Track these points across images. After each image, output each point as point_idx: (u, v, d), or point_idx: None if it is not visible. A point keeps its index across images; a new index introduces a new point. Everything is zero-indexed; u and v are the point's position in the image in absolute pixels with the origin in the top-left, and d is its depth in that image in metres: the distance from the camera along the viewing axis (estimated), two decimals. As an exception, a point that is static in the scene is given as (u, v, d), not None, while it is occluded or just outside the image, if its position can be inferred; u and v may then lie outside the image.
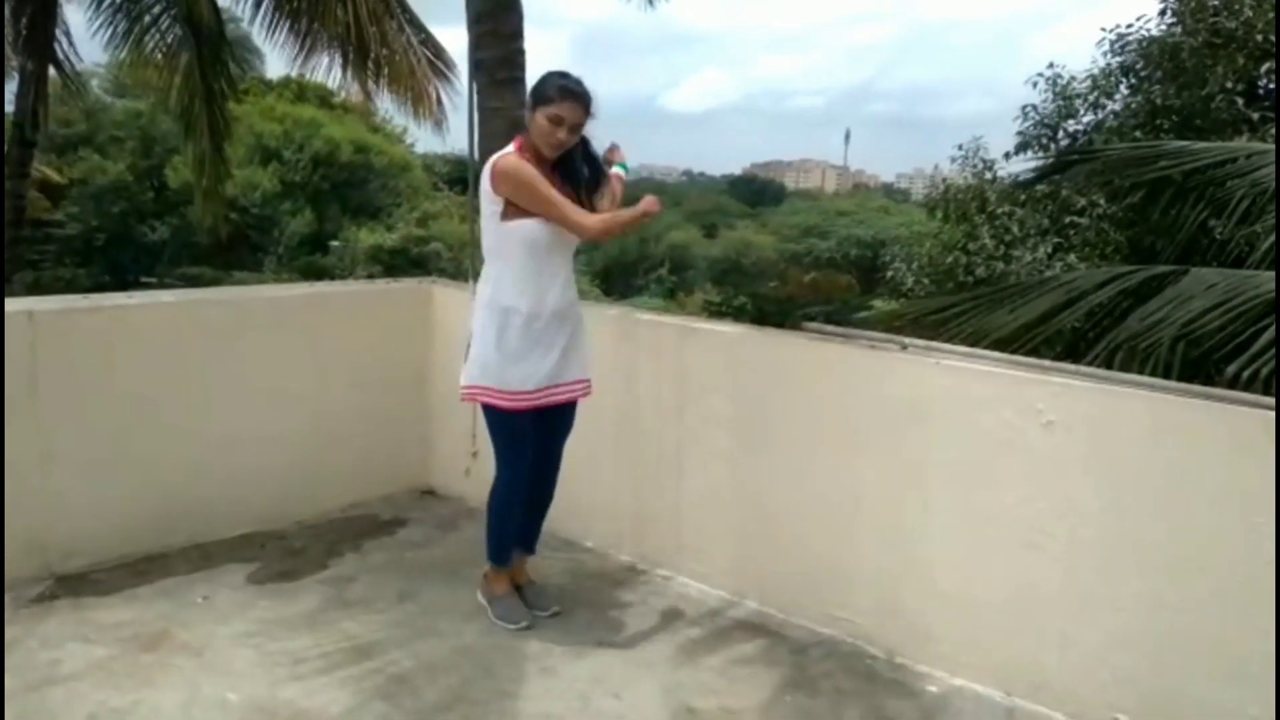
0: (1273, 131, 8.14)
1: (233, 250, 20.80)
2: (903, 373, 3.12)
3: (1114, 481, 2.72)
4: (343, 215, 24.25)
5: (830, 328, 3.53)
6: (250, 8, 9.85)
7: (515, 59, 5.48)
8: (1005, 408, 2.88)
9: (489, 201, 3.05)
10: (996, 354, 3.32)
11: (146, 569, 3.55)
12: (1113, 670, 2.74)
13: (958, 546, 3.00)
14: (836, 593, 3.26)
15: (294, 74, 15.90)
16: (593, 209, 3.15)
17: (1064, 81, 10.22)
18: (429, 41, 10.36)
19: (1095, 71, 10.03)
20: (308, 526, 4.02)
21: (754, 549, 3.48)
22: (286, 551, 3.79)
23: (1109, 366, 4.03)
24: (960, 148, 11.17)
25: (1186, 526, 2.61)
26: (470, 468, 3.84)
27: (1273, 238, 4.73)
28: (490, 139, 4.99)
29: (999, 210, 9.99)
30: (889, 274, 12.21)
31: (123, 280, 20.33)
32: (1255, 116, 8.52)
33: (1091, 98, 10.02)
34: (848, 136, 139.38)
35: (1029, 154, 10.24)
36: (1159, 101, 9.18)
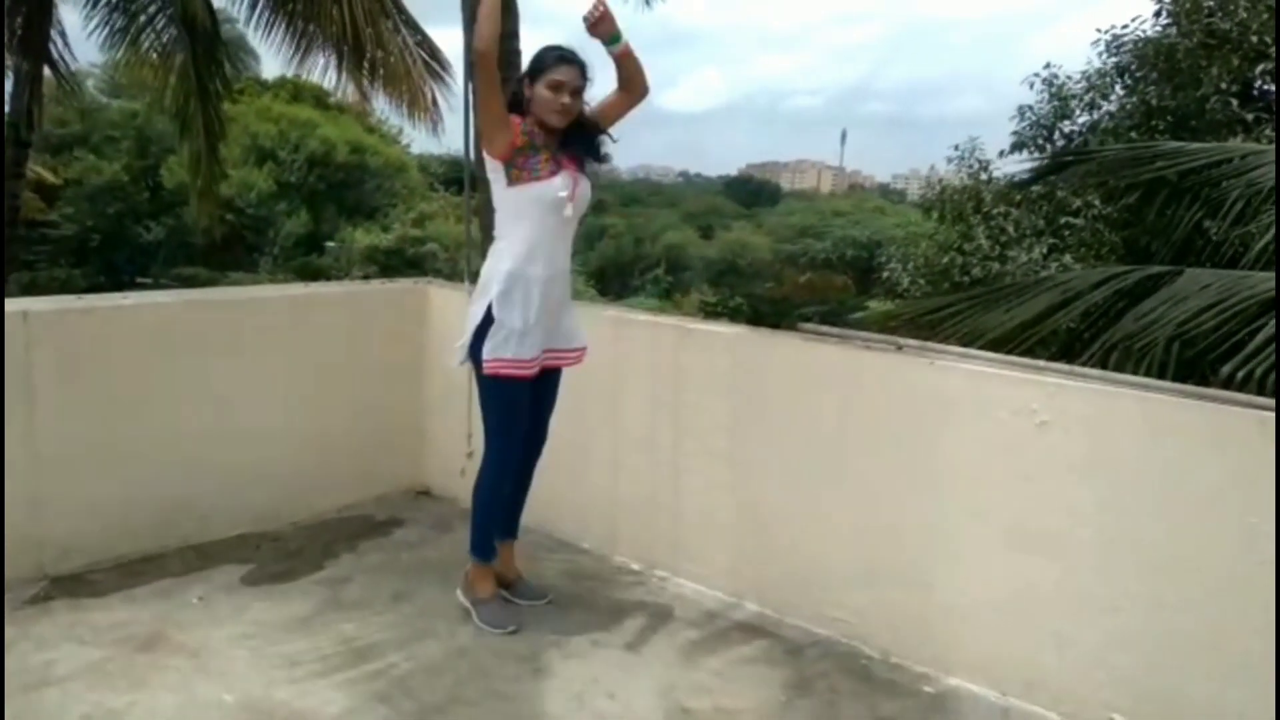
0: (1267, 132, 8.17)
1: (228, 251, 20.78)
2: (898, 373, 3.12)
3: (1109, 482, 2.73)
4: (338, 216, 24.23)
5: (826, 328, 3.53)
6: (246, 8, 9.86)
7: (511, 59, 5.49)
8: (1000, 408, 2.88)
9: (492, 171, 3.07)
10: (991, 354, 3.32)
11: (142, 570, 3.54)
12: (1108, 670, 2.74)
13: (953, 546, 3.01)
14: (832, 593, 3.27)
15: (290, 74, 15.92)
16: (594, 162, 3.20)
17: (1059, 82, 10.25)
18: (424, 42, 10.36)
19: (1090, 72, 10.05)
20: (303, 527, 4.01)
21: (750, 550, 3.48)
22: (282, 552, 3.79)
23: (1104, 367, 4.03)
24: (956, 148, 11.21)
25: (1182, 526, 2.62)
26: (465, 468, 3.83)
27: (1267, 237, 4.74)
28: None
29: (995, 211, 10.02)
30: (885, 274, 12.24)
31: (118, 281, 20.29)
32: (1250, 118, 8.54)
33: (1087, 98, 10.05)
34: (844, 137, 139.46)
35: (1024, 154, 10.27)
36: (1154, 102, 9.20)
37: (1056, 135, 10.35)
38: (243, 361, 3.87)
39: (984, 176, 10.88)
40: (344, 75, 9.96)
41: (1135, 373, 3.81)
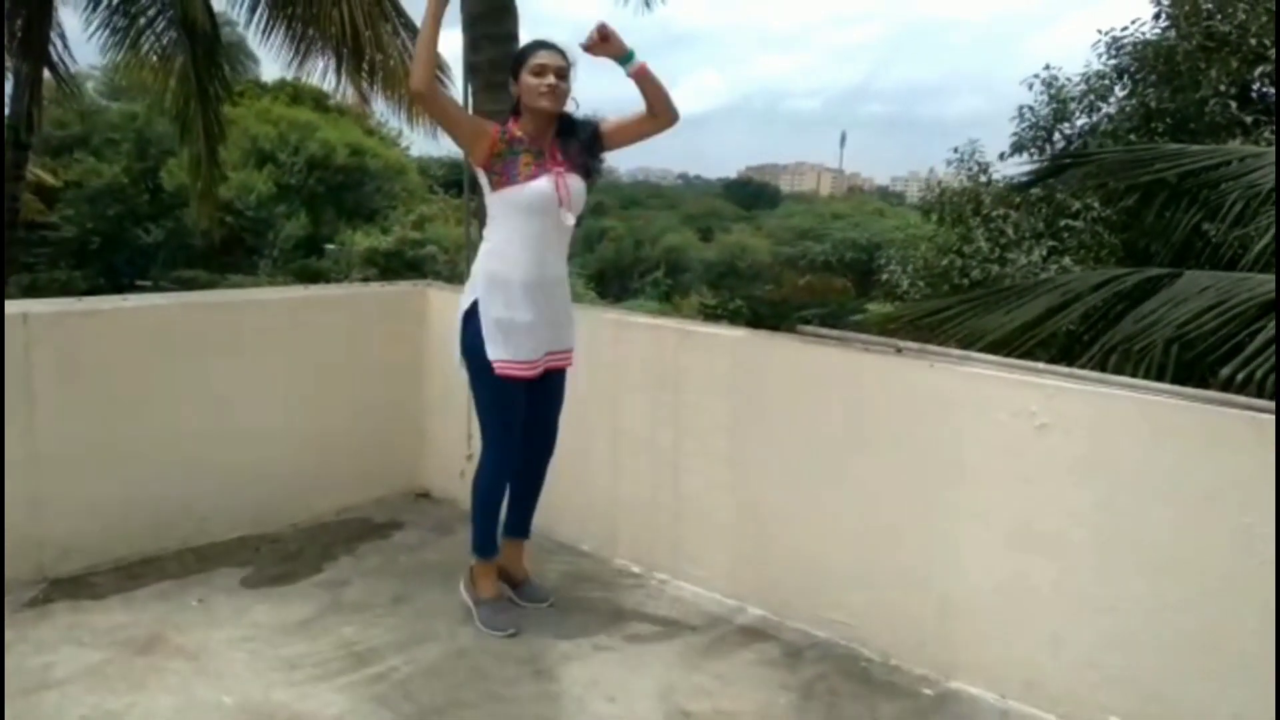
0: (1266, 135, 8.18)
1: (228, 253, 20.80)
2: (897, 376, 3.12)
3: (1109, 484, 2.73)
4: (338, 218, 24.24)
5: (825, 330, 3.53)
6: (245, 11, 9.87)
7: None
8: (999, 410, 2.88)
9: (480, 176, 3.09)
10: (991, 357, 3.33)
11: (141, 572, 3.54)
12: (1107, 672, 2.74)
13: (953, 548, 3.01)
14: (832, 595, 3.27)
15: (289, 77, 15.92)
16: (591, 170, 3.18)
17: (1059, 84, 10.26)
18: (424, 45, 10.36)
19: (1090, 74, 10.07)
20: (302, 530, 4.01)
21: (750, 552, 3.48)
22: (281, 555, 3.79)
23: (1103, 369, 4.04)
24: (956, 150, 11.22)
25: (1180, 528, 2.62)
26: (465, 470, 3.84)
27: (1265, 239, 4.74)
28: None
29: (994, 213, 10.03)
30: (884, 277, 12.25)
31: (118, 283, 20.29)
32: (1249, 120, 8.56)
33: (1086, 101, 10.06)
34: (843, 139, 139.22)
35: (1024, 156, 10.29)
36: (1153, 105, 9.22)
37: (1056, 137, 10.37)
38: (242, 364, 3.87)
39: (983, 179, 10.90)
40: (343, 78, 9.98)
41: (1134, 375, 3.81)
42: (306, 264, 22.39)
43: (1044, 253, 9.09)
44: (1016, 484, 2.87)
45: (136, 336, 3.64)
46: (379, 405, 4.30)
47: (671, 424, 3.62)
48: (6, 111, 9.44)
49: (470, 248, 4.39)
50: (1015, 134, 10.51)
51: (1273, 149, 5.74)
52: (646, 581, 3.67)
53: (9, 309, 3.34)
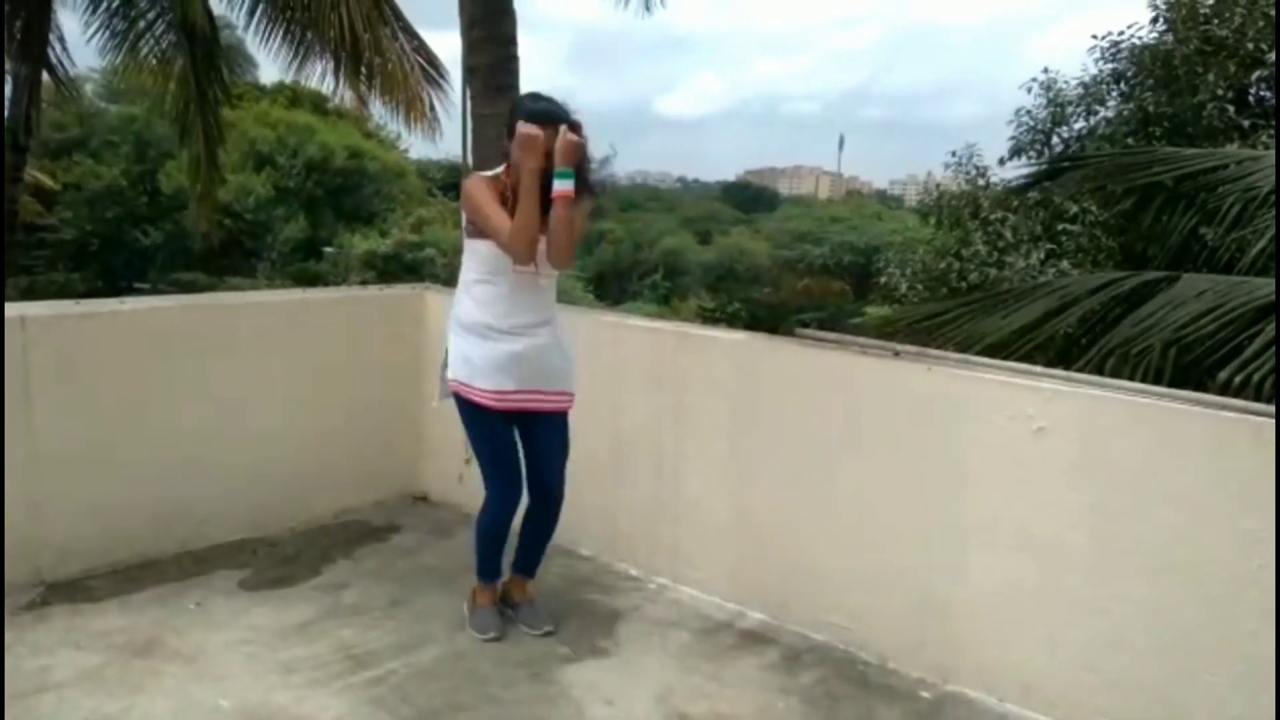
0: (1263, 139, 8.18)
1: (226, 256, 20.82)
2: (895, 379, 3.13)
3: (1106, 487, 2.73)
4: (337, 221, 24.26)
5: (823, 334, 3.54)
6: (244, 14, 9.86)
7: (509, 65, 5.49)
8: (997, 413, 2.89)
9: (463, 217, 3.08)
10: (988, 360, 3.33)
11: (139, 575, 3.54)
12: (1104, 675, 2.74)
13: (951, 552, 3.01)
14: (830, 598, 3.27)
15: (288, 80, 15.94)
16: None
17: (1057, 87, 10.27)
18: (422, 48, 10.36)
19: (1087, 78, 10.08)
20: (301, 533, 4.01)
21: (748, 555, 3.48)
22: (279, 558, 3.79)
23: (1100, 372, 4.04)
24: (954, 154, 11.23)
25: (1178, 531, 2.62)
26: (463, 474, 3.84)
27: (1263, 242, 4.75)
28: (484, 145, 5.00)
29: (992, 217, 10.03)
30: (882, 280, 12.24)
31: (116, 285, 20.30)
32: (1246, 124, 8.56)
33: (1084, 105, 10.07)
34: (841, 143, 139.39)
35: (1022, 160, 10.29)
36: (1151, 109, 9.22)
37: (1054, 141, 10.37)
38: (241, 367, 3.87)
39: (981, 182, 10.90)
40: (342, 81, 9.96)
41: (1132, 378, 3.81)
42: (305, 267, 22.41)
43: (1042, 256, 9.09)
44: (1014, 487, 2.88)
45: (134, 339, 3.64)
46: (377, 408, 4.30)
47: (670, 427, 3.63)
48: (5, 114, 9.44)
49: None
50: (1013, 138, 10.52)
51: (1270, 152, 5.75)
52: (645, 584, 3.67)
53: (7, 312, 3.34)
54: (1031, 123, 10.37)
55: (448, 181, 26.70)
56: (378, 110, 10.60)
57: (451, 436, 4.02)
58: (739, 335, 3.74)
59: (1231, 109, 8.67)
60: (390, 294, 4.65)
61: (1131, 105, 9.55)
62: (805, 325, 3.82)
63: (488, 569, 3.28)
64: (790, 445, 3.34)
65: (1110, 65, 9.97)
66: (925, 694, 2.98)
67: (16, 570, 3.34)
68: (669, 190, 78.09)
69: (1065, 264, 8.81)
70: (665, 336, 3.72)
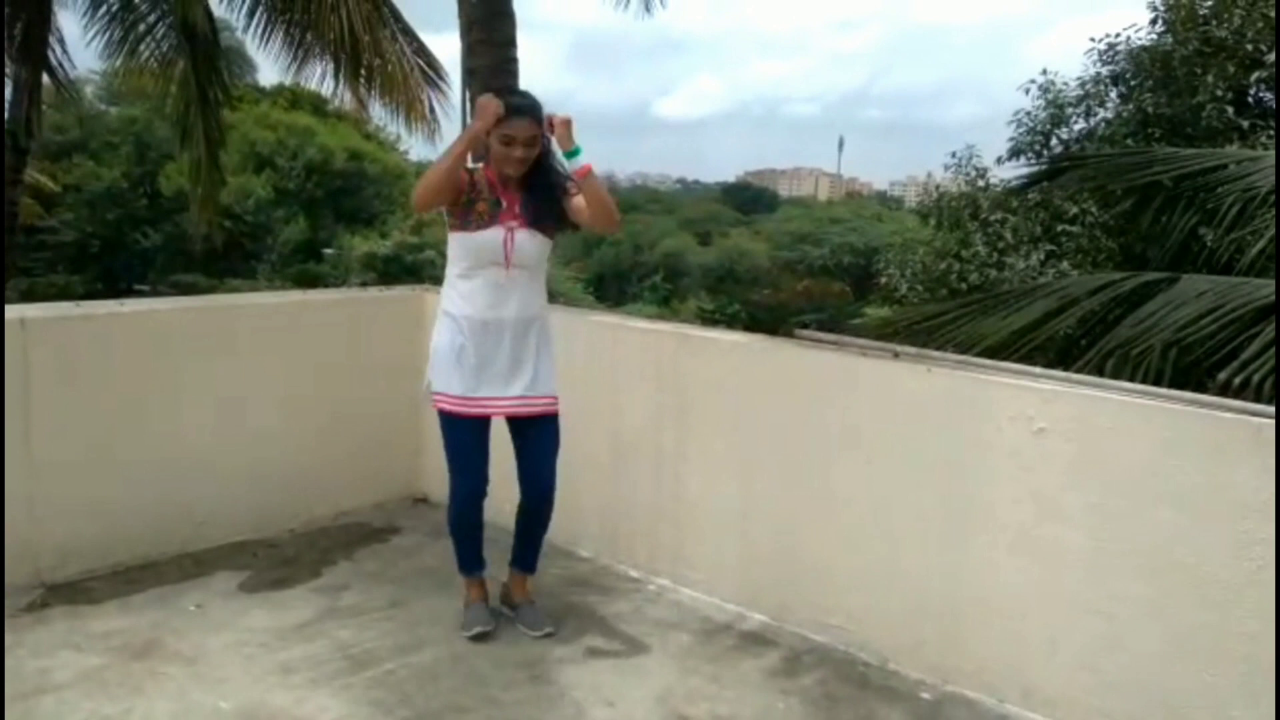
0: (1263, 139, 8.19)
1: (226, 258, 20.82)
2: (894, 380, 3.12)
3: (1106, 488, 2.73)
4: (336, 223, 24.27)
5: (822, 335, 3.54)
6: (244, 16, 9.86)
7: (508, 67, 5.50)
8: (997, 414, 2.88)
9: (445, 213, 3.12)
10: (988, 361, 3.33)
11: (139, 577, 3.54)
12: (1104, 676, 2.74)
13: (951, 553, 3.01)
14: (830, 600, 3.27)
15: (288, 82, 15.95)
16: (563, 219, 3.15)
17: (1056, 89, 10.27)
18: (421, 50, 10.36)
19: (1086, 79, 10.08)
20: (300, 535, 4.01)
21: (748, 556, 3.48)
22: (279, 560, 3.78)
23: (1100, 373, 4.04)
24: (953, 155, 11.24)
25: (1178, 533, 2.62)
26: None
27: (1262, 243, 4.75)
28: (484, 146, 5.00)
29: (992, 218, 10.04)
30: (882, 280, 12.25)
31: (116, 287, 20.32)
32: (1245, 125, 8.57)
33: (1083, 106, 10.07)
34: (841, 144, 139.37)
35: (1021, 161, 10.29)
36: (1150, 110, 9.22)
37: (1053, 142, 10.37)
38: (240, 368, 3.87)
39: (981, 184, 10.91)
40: (342, 83, 9.96)
41: (1132, 379, 3.82)
42: (305, 268, 22.42)
43: (1041, 257, 9.10)
44: (1014, 488, 2.87)
45: (135, 341, 3.64)
46: (377, 410, 4.30)
47: (670, 428, 3.63)
48: (5, 116, 9.44)
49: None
50: (1012, 139, 10.52)
51: (1270, 153, 5.75)
52: (645, 586, 3.67)
53: (7, 313, 3.34)
54: (1030, 124, 10.37)
55: (448, 183, 26.64)
56: (377, 112, 10.59)
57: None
58: (739, 336, 3.74)
59: (1231, 110, 8.68)
60: (390, 295, 4.65)
61: (1131, 106, 9.56)
62: (805, 326, 3.83)
63: (464, 562, 3.30)
64: (790, 446, 3.34)
65: (1109, 67, 9.98)
66: (925, 695, 2.98)
67: (16, 572, 3.34)
68: (669, 192, 78.15)
69: (1065, 265, 8.82)
70: (665, 338, 3.72)
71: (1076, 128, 10.24)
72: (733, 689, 2.98)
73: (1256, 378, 3.82)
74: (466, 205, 3.05)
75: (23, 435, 3.32)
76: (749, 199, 67.87)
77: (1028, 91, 10.43)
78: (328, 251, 23.15)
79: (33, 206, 17.45)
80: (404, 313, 4.41)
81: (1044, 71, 10.41)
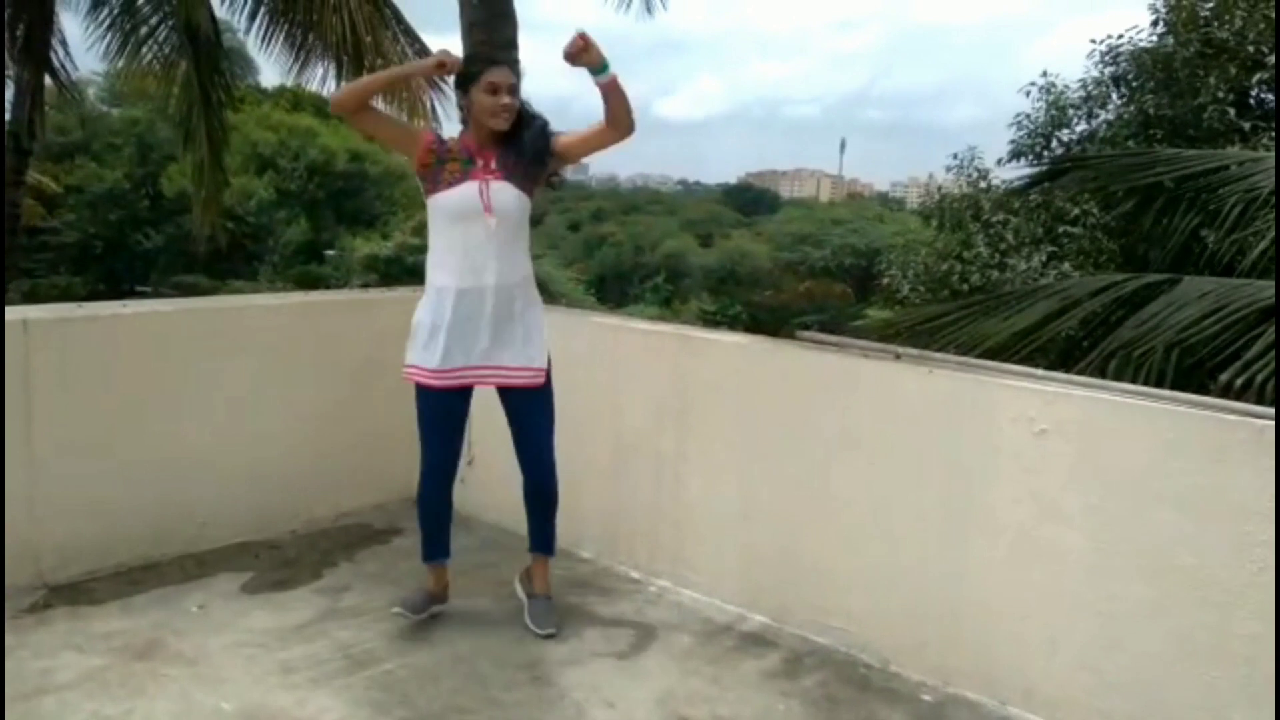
0: (1264, 141, 8.19)
1: (228, 259, 20.84)
2: (896, 382, 3.13)
3: (1107, 489, 2.73)
4: (338, 224, 24.30)
5: (824, 336, 3.54)
6: (246, 18, 9.87)
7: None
8: (998, 416, 2.88)
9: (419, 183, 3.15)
10: (989, 362, 3.33)
11: (140, 578, 3.54)
12: (1105, 677, 2.74)
13: (952, 554, 3.01)
14: (831, 601, 3.27)
15: (289, 83, 15.94)
16: (540, 176, 3.18)
17: (1057, 90, 10.27)
18: (423, 52, 10.37)
19: (1088, 81, 10.08)
20: (301, 536, 4.01)
21: (749, 558, 3.48)
22: (280, 561, 3.79)
23: (1102, 374, 4.04)
24: (955, 156, 11.24)
25: (1179, 534, 2.62)
26: (465, 476, 3.83)
27: (1264, 243, 4.75)
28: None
29: (994, 219, 10.04)
30: (884, 282, 12.26)
31: (118, 288, 20.35)
32: (1247, 126, 8.57)
33: (1084, 108, 10.07)
34: (843, 146, 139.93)
35: (1022, 162, 10.29)
36: (1151, 111, 9.22)
37: (1054, 144, 10.37)
38: (242, 369, 3.88)
39: (983, 185, 10.91)
40: (343, 84, 9.97)
41: (1134, 380, 3.82)
42: (307, 270, 22.45)
43: (1043, 258, 9.09)
44: (1015, 489, 2.87)
45: (136, 342, 3.64)
46: (379, 410, 4.29)
47: (671, 430, 3.63)
48: (7, 117, 9.45)
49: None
50: (1014, 141, 10.52)
51: (1271, 154, 5.75)
52: (646, 587, 3.67)
53: (9, 315, 3.34)
54: (1032, 126, 10.37)
55: (449, 184, 26.69)
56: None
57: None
58: (740, 338, 3.74)
59: (1232, 111, 8.68)
60: (391, 296, 4.64)
61: (1132, 108, 9.56)
62: (806, 328, 3.83)
63: (426, 546, 3.32)
64: (791, 448, 3.34)
65: (1110, 68, 9.97)
66: (927, 696, 2.98)
67: (18, 572, 3.34)
68: (670, 193, 78.18)
69: (1067, 266, 8.82)
70: (667, 339, 3.72)
71: (1078, 129, 10.25)
72: (733, 690, 2.98)
73: (1259, 379, 3.82)
74: (436, 166, 3.06)
75: (25, 436, 3.32)
76: (750, 200, 67.88)
77: (1029, 94, 10.44)
78: (329, 253, 23.18)
79: (35, 208, 17.47)
80: (405, 314, 4.36)
81: (1045, 73, 10.42)
